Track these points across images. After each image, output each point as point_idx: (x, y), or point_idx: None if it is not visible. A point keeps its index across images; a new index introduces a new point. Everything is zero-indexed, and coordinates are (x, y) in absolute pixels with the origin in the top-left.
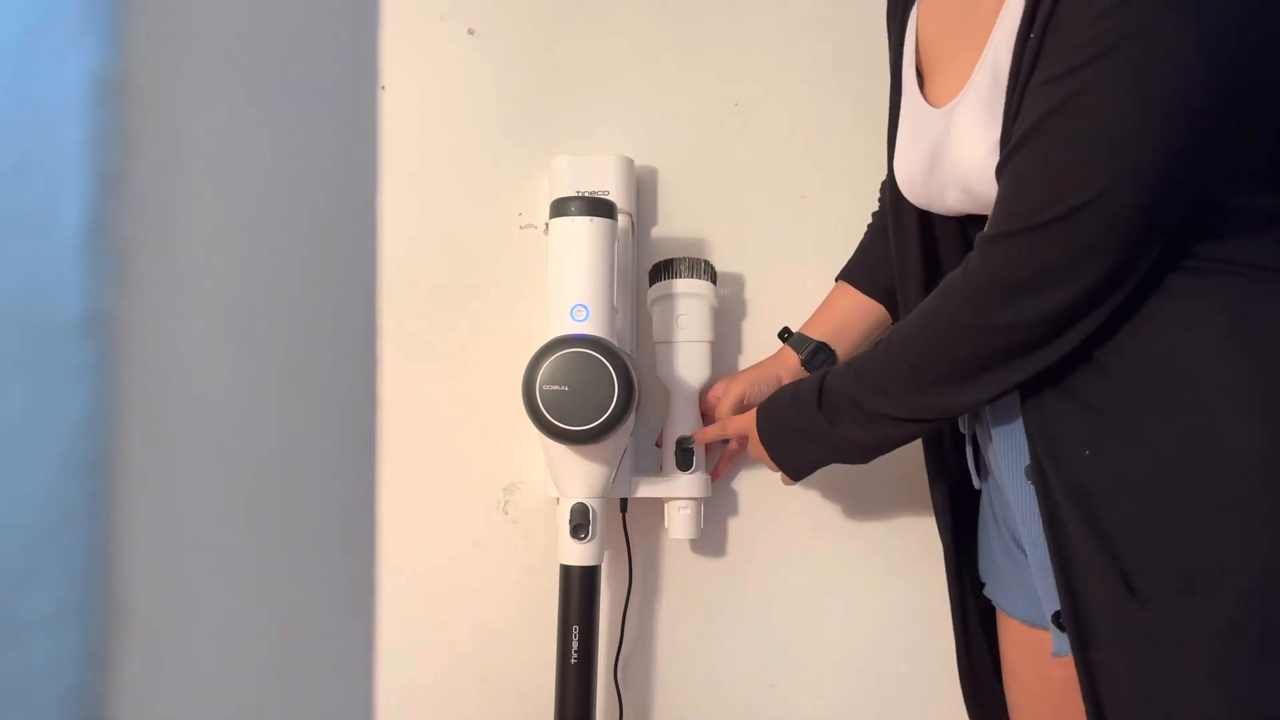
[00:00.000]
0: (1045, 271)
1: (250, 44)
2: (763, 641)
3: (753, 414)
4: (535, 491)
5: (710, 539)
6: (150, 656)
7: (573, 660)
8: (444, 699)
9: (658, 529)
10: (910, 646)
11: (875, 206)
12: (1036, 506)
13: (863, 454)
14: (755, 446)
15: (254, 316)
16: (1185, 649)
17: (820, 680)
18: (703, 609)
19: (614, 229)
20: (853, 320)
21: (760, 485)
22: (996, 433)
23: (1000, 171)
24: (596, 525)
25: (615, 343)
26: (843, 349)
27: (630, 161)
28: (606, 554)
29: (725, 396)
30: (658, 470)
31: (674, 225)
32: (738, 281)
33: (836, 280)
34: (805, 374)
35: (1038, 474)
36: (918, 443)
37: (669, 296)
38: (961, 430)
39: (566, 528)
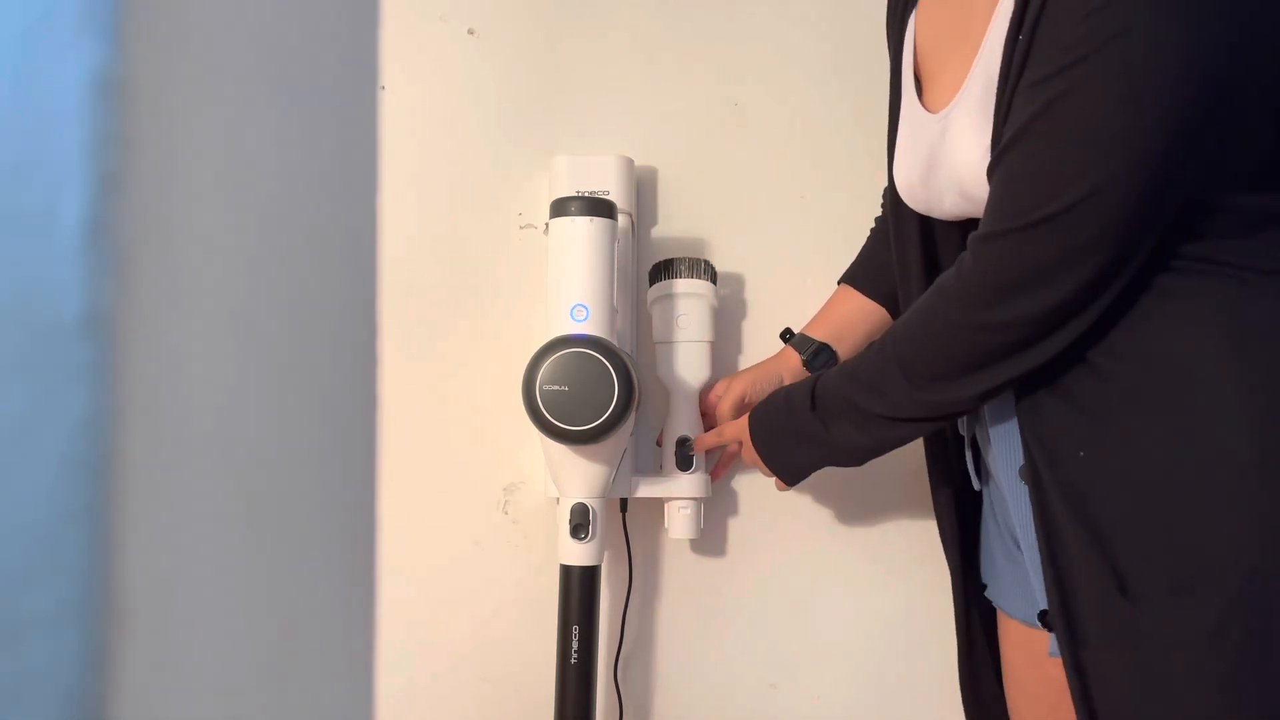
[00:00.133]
0: (1037, 270)
1: (250, 44)
2: (763, 641)
3: (746, 419)
4: (535, 491)
5: (710, 539)
6: (150, 656)
7: (573, 660)
8: (444, 699)
9: (658, 529)
10: (910, 647)
11: (875, 206)
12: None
13: (858, 456)
14: (749, 452)
15: (254, 316)
16: (1177, 649)
17: (820, 680)
18: (703, 609)
19: (614, 229)
20: (855, 323)
21: (760, 485)
22: (994, 433)
23: (991, 172)
24: (596, 525)
25: (615, 343)
26: (844, 350)
27: (630, 161)
28: (606, 554)
29: (726, 395)
30: (658, 470)
31: (674, 225)
32: (738, 281)
33: (839, 283)
34: (807, 374)
35: (1031, 474)
36: (917, 444)
37: (669, 296)
38: (961, 433)
39: (566, 528)
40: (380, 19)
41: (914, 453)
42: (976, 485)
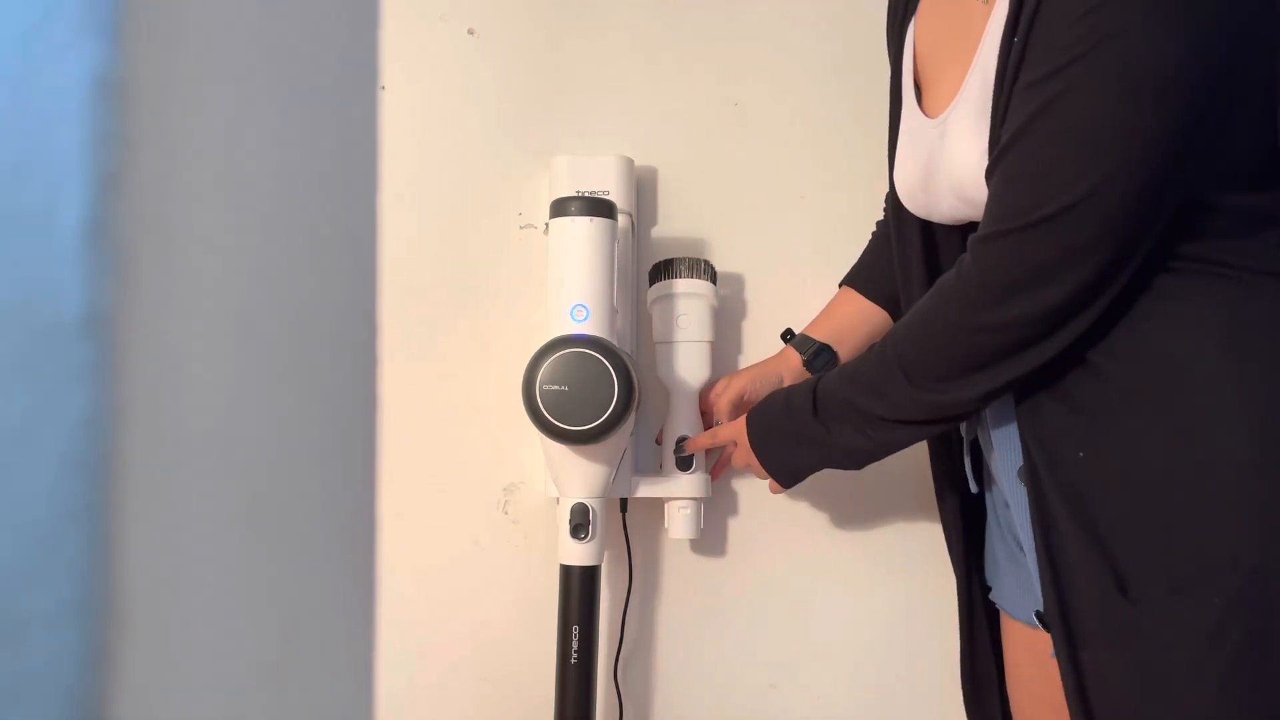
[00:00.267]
0: (1037, 270)
1: (250, 44)
2: (763, 641)
3: (742, 420)
4: (535, 491)
5: (710, 539)
6: (150, 656)
7: (573, 660)
8: (444, 699)
9: (658, 529)
10: (910, 647)
11: (875, 206)
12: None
13: (858, 460)
14: (744, 453)
15: (254, 317)
16: (1175, 648)
17: (820, 680)
18: (703, 609)
19: (614, 229)
20: (856, 325)
21: (760, 485)
22: (995, 436)
23: (990, 174)
24: (596, 525)
25: (615, 343)
26: (845, 352)
27: (630, 161)
28: (606, 554)
29: (725, 392)
30: (658, 470)
31: (674, 225)
32: (738, 281)
33: (840, 285)
34: (807, 375)
35: (1031, 475)
36: (918, 446)
37: (669, 296)
38: (963, 435)
39: (566, 528)
40: (380, 19)
41: (913, 453)
42: (974, 488)
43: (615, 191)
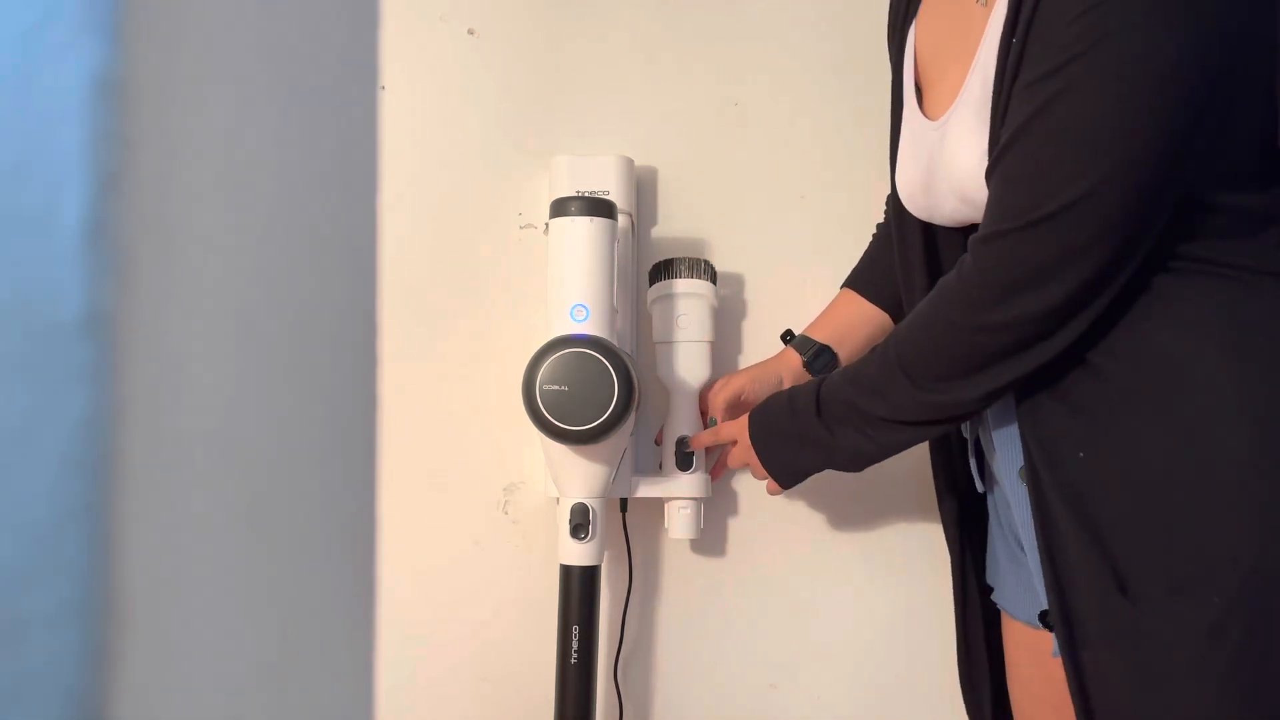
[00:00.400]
0: (1037, 270)
1: (250, 44)
2: (763, 642)
3: (745, 419)
4: (535, 491)
5: (710, 539)
6: (150, 656)
7: (573, 660)
8: (444, 699)
9: (658, 529)
10: (910, 647)
11: (876, 206)
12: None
13: (860, 462)
14: (744, 451)
15: (254, 317)
16: (1176, 647)
17: (820, 680)
18: (703, 609)
19: (614, 229)
20: (857, 326)
21: (761, 485)
22: (996, 437)
23: (990, 174)
24: (596, 525)
25: (615, 343)
26: (845, 354)
27: (630, 161)
28: (606, 554)
29: (722, 390)
30: (658, 470)
31: (674, 225)
32: (738, 281)
33: (842, 287)
34: (807, 375)
35: (1031, 475)
36: (919, 447)
37: (669, 296)
38: (965, 436)
39: (566, 528)
40: (380, 19)
41: (914, 454)
42: (980, 487)
43: (615, 191)
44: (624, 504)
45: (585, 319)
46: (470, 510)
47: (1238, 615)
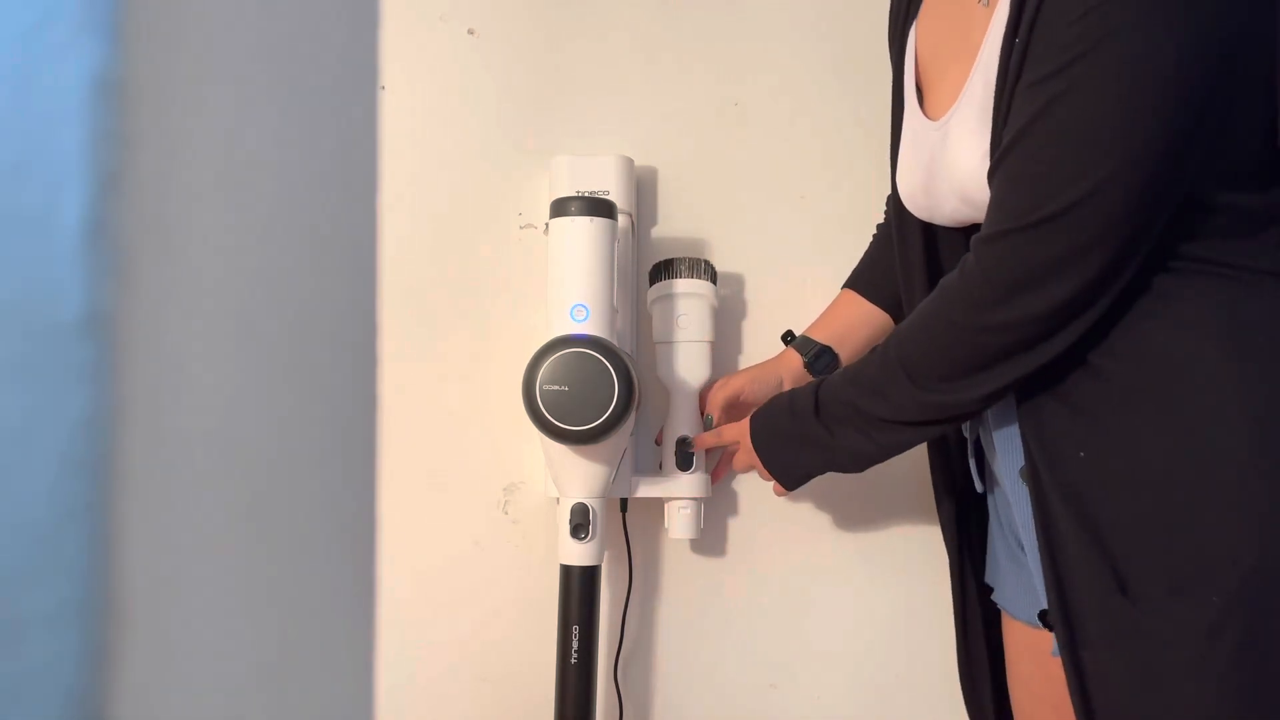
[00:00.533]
0: (1040, 270)
1: (250, 44)
2: (762, 642)
3: (747, 421)
4: (535, 491)
5: (710, 539)
6: (150, 656)
7: (573, 660)
8: (444, 699)
9: (658, 529)
10: (910, 647)
11: (876, 206)
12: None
13: (861, 462)
14: (747, 454)
15: (254, 317)
16: (1176, 647)
17: (820, 681)
18: (703, 609)
19: (614, 229)
20: (857, 327)
21: (761, 485)
22: (997, 437)
23: (992, 175)
24: (596, 525)
25: (615, 343)
26: (846, 354)
27: (630, 161)
28: (606, 554)
29: (721, 390)
30: (658, 470)
31: (674, 225)
32: (738, 281)
33: (843, 288)
34: (807, 376)
35: (1032, 475)
36: (919, 447)
37: (669, 296)
38: (965, 436)
39: (566, 528)
40: (380, 19)
41: (914, 454)
42: (979, 487)
43: (615, 191)
44: (624, 504)
45: (585, 319)
46: (470, 510)
47: (1237, 615)
